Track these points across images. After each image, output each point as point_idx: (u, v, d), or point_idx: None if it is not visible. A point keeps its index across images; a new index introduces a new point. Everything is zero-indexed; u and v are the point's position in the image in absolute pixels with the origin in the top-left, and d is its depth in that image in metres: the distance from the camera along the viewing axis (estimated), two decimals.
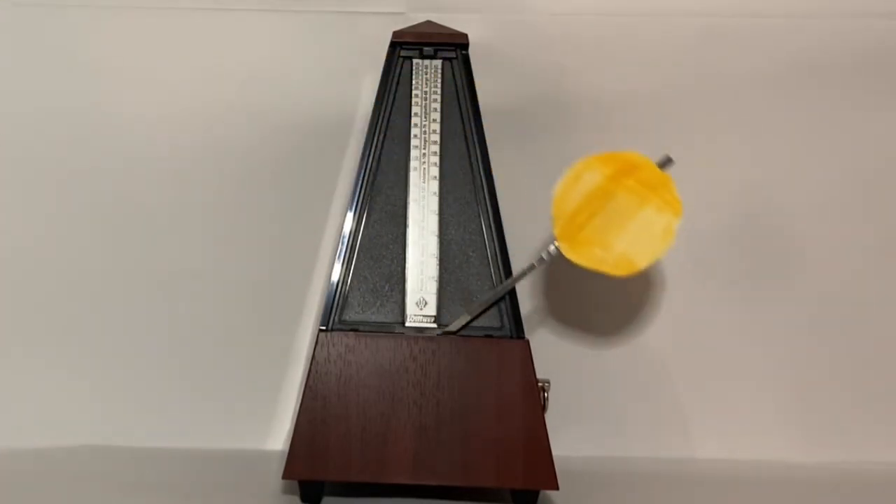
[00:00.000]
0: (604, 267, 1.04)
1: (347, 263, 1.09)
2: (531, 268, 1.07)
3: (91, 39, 1.29)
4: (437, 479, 1.04)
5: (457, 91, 1.13)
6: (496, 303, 1.08)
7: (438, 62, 1.13)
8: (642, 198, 1.04)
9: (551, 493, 1.11)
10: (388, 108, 1.12)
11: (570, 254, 1.05)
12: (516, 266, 1.10)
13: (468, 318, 1.07)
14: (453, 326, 1.07)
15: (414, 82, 1.13)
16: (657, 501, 1.17)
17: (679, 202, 1.04)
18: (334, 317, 1.08)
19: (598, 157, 1.05)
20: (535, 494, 1.08)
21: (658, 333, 1.32)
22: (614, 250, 1.04)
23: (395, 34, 1.14)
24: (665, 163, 1.05)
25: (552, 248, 1.05)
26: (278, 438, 1.30)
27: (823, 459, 1.30)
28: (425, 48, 1.13)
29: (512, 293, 1.09)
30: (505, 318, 1.09)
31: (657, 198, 1.04)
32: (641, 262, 1.04)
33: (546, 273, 1.31)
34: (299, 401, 1.07)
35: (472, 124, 1.12)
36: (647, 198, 1.04)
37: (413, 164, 1.11)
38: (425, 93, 1.13)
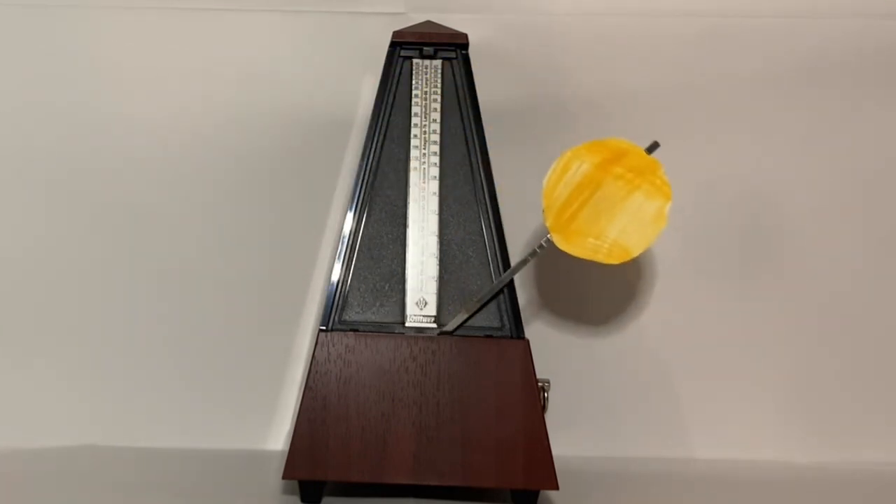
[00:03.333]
0: (598, 256, 1.04)
1: (347, 263, 1.09)
2: (525, 262, 1.07)
3: (90, 39, 1.29)
4: (437, 479, 1.04)
5: (457, 91, 1.12)
6: (492, 299, 1.08)
7: (438, 62, 1.13)
8: (631, 184, 1.04)
9: (551, 493, 1.11)
10: (388, 108, 1.12)
11: (563, 245, 1.04)
12: None
13: (466, 315, 1.07)
14: (450, 326, 1.07)
15: (414, 82, 1.13)
16: (657, 501, 1.17)
17: (668, 185, 1.04)
18: (334, 317, 1.08)
19: (585, 146, 1.05)
20: (535, 494, 1.07)
21: (658, 334, 1.32)
22: (607, 238, 1.03)
23: (395, 34, 1.14)
24: (652, 148, 1.05)
25: (545, 240, 1.05)
26: (278, 438, 1.30)
27: (823, 459, 1.30)
28: (425, 48, 1.13)
29: (512, 293, 1.09)
30: (505, 317, 1.09)
31: (646, 183, 1.04)
32: (635, 249, 1.04)
33: (546, 273, 1.31)
34: (299, 401, 1.07)
35: (472, 124, 1.12)
36: (636, 184, 1.04)
37: (413, 164, 1.11)
38: (425, 93, 1.13)
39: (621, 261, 1.03)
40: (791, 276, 1.32)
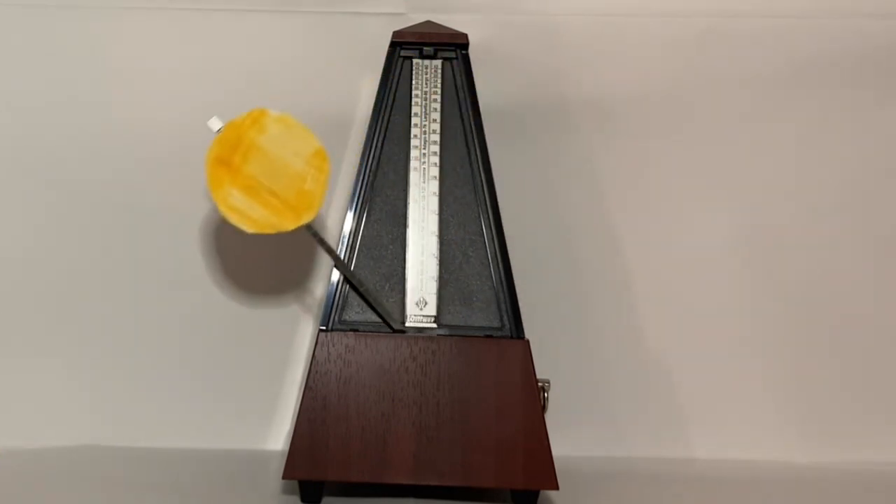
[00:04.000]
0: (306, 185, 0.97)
1: (347, 263, 1.09)
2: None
3: (90, 40, 1.29)
4: (437, 479, 1.04)
5: (457, 91, 1.13)
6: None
7: (438, 62, 1.13)
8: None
9: (551, 493, 1.11)
10: (388, 108, 1.12)
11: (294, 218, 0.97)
12: (516, 266, 1.10)
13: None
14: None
15: (414, 82, 1.13)
16: (657, 501, 1.17)
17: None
18: (334, 317, 1.08)
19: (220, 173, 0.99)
20: (535, 494, 1.08)
21: (658, 334, 1.32)
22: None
23: (395, 34, 1.14)
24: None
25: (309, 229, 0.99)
26: (278, 438, 1.30)
27: (823, 459, 1.30)
28: (425, 48, 1.13)
29: (512, 293, 1.09)
30: (505, 317, 1.09)
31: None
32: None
33: (546, 273, 1.31)
34: (299, 401, 1.07)
35: (472, 124, 1.12)
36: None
37: (413, 164, 1.11)
38: (425, 93, 1.13)
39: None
40: (791, 276, 1.32)
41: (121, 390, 1.30)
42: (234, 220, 0.97)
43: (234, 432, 1.30)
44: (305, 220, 0.97)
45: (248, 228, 0.96)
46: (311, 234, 1.00)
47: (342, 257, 1.09)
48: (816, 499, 1.18)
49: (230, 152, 0.99)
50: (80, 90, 1.29)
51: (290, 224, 0.97)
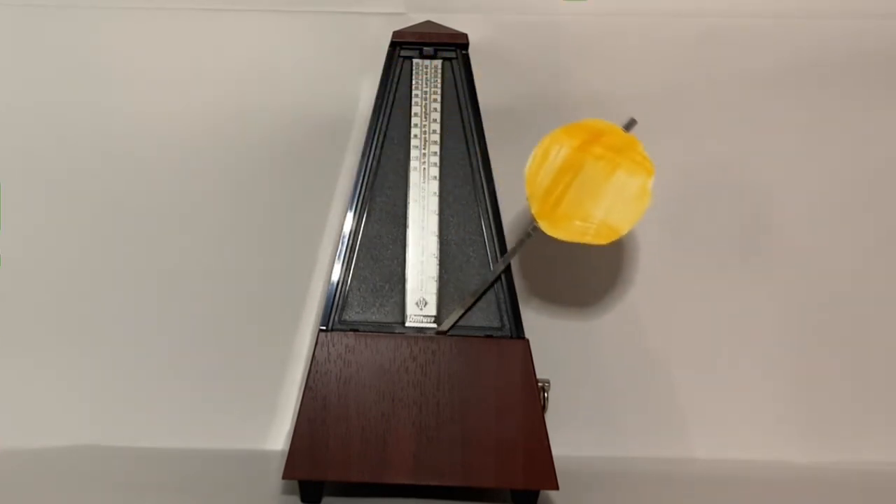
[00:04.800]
0: (586, 238, 1.03)
1: (347, 263, 1.09)
2: (514, 251, 1.06)
3: (90, 40, 1.29)
4: (437, 479, 1.04)
5: (457, 91, 1.12)
6: (484, 293, 1.08)
7: (438, 62, 1.13)
8: (612, 163, 1.03)
9: (551, 493, 1.11)
10: (388, 108, 1.12)
11: (550, 230, 1.04)
12: (516, 266, 1.10)
13: (461, 311, 1.07)
14: (445, 324, 1.07)
15: (414, 82, 1.13)
16: (657, 501, 1.17)
17: (649, 161, 1.03)
18: (334, 317, 1.08)
19: (562, 130, 1.04)
20: (535, 494, 1.07)
21: (659, 334, 1.32)
22: (594, 219, 1.03)
23: (395, 34, 1.14)
24: (630, 125, 1.04)
25: (532, 227, 1.04)
26: (278, 438, 1.30)
27: (823, 459, 1.30)
28: (425, 48, 1.13)
29: (512, 293, 1.08)
30: (505, 317, 1.08)
31: (627, 160, 1.03)
32: (623, 227, 1.03)
33: (546, 272, 1.31)
34: (299, 401, 1.07)
35: (472, 124, 1.11)
36: (617, 162, 1.03)
37: (413, 164, 1.11)
38: (425, 93, 1.13)
39: (610, 241, 1.03)
40: (791, 277, 1.32)
41: (121, 390, 1.30)
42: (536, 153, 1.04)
43: (234, 432, 1.30)
44: (541, 224, 1.03)
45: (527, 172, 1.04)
46: (526, 235, 1.05)
47: (342, 257, 1.09)
48: (816, 499, 1.18)
49: (592, 139, 1.04)
50: (80, 90, 1.29)
51: (534, 209, 1.04)
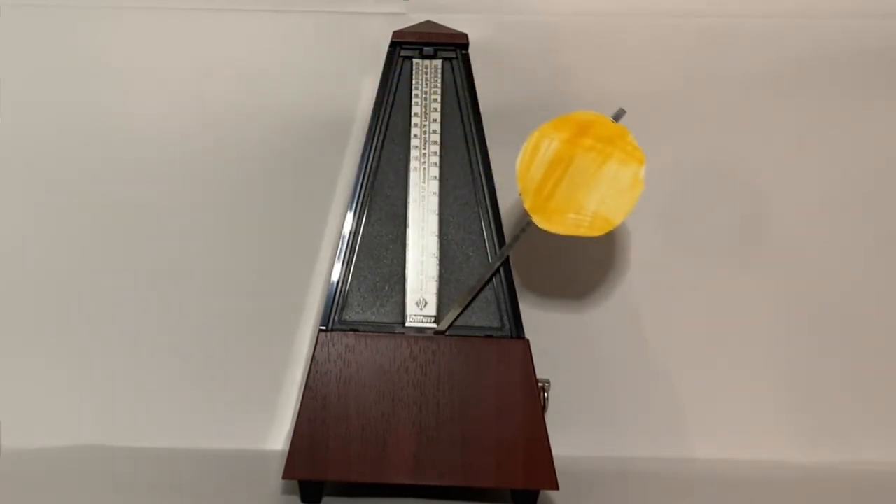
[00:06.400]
0: (581, 230, 1.04)
1: (347, 263, 1.09)
2: (510, 247, 1.07)
3: (90, 39, 1.29)
4: (437, 479, 1.04)
5: (457, 91, 1.12)
6: (480, 291, 1.08)
7: (438, 62, 1.13)
8: (603, 154, 1.04)
9: (551, 493, 1.11)
10: (388, 108, 1.12)
11: (545, 224, 1.04)
12: (516, 266, 1.09)
13: (459, 309, 1.07)
14: (443, 324, 1.07)
15: (414, 82, 1.13)
16: (657, 501, 1.17)
17: (640, 150, 1.04)
18: (334, 317, 1.08)
19: (551, 124, 1.05)
20: (535, 494, 1.07)
21: (659, 335, 1.32)
22: (587, 211, 1.03)
23: (395, 34, 1.14)
24: (618, 115, 1.05)
25: (526, 223, 1.05)
26: (278, 438, 1.30)
27: (823, 459, 1.30)
28: (425, 48, 1.13)
29: (512, 293, 1.08)
30: (505, 317, 1.09)
31: (618, 151, 1.04)
32: (617, 218, 1.04)
33: (546, 272, 1.31)
34: (299, 401, 1.07)
35: (472, 124, 1.12)
36: (608, 153, 1.04)
37: (413, 164, 1.11)
38: (425, 93, 1.13)
39: (604, 232, 1.04)
40: (792, 276, 1.32)
41: (121, 390, 1.30)
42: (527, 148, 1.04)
43: (234, 432, 1.30)
44: (534, 218, 1.04)
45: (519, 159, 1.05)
46: (521, 231, 1.05)
47: (342, 257, 1.09)
48: (816, 499, 1.18)
49: (581, 131, 1.04)
50: (80, 90, 1.29)
51: (527, 204, 1.04)
